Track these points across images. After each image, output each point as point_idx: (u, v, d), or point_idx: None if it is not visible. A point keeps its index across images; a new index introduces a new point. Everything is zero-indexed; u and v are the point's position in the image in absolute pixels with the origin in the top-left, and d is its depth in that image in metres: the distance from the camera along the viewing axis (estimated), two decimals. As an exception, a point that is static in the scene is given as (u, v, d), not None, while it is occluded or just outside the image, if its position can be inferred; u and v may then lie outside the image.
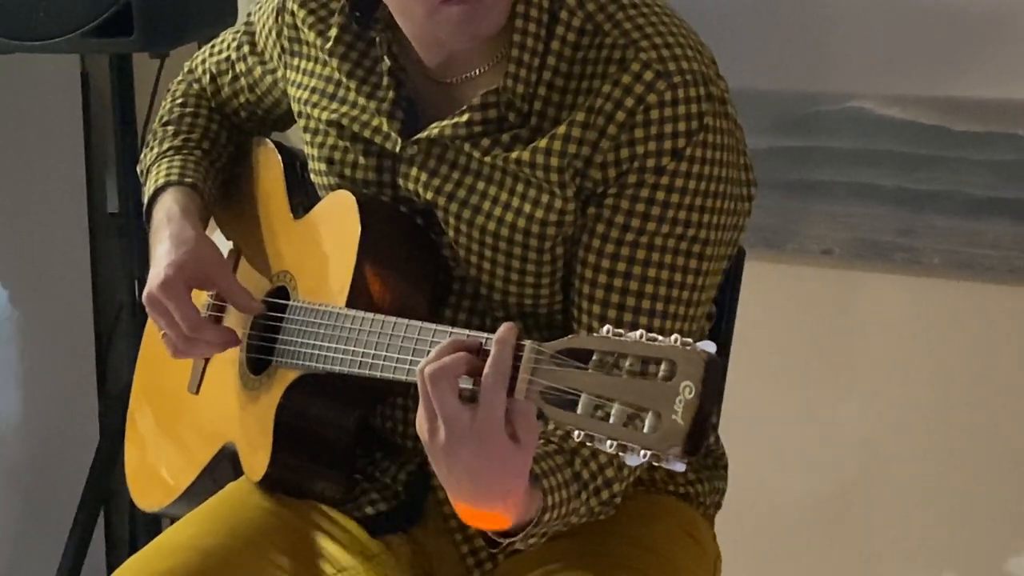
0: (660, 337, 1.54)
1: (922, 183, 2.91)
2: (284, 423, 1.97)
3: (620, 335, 1.56)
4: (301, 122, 2.07)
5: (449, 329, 1.75)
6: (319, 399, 1.98)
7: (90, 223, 3.49)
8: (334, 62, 2.02)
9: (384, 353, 1.82)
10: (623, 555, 1.94)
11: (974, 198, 2.87)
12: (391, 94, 1.98)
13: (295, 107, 2.08)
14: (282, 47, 2.09)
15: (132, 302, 2.97)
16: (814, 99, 2.97)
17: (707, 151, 1.87)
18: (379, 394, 2.01)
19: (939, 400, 2.97)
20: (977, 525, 2.95)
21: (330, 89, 2.03)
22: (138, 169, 2.24)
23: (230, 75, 2.21)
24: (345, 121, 2.01)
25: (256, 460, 2.00)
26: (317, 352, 1.91)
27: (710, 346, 1.52)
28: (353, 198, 1.97)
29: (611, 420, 1.54)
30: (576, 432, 1.56)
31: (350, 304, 1.90)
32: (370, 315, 1.85)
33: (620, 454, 1.54)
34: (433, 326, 1.77)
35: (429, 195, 1.96)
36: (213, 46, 2.25)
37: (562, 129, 1.88)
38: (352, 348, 1.86)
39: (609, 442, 1.54)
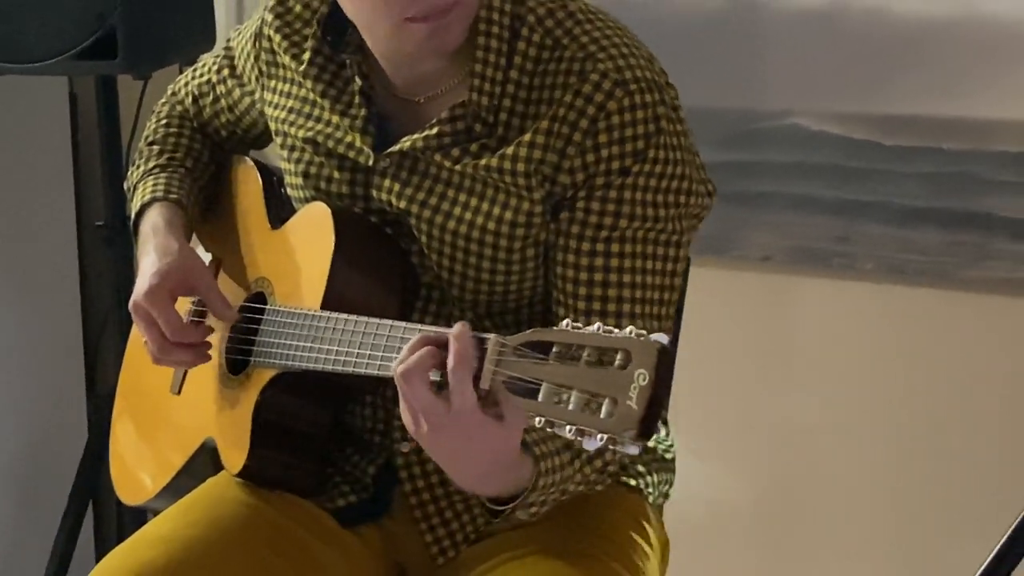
0: (616, 330, 1.57)
1: (856, 194, 2.95)
2: (261, 419, 1.99)
3: (579, 328, 1.59)
4: (279, 140, 2.09)
5: (417, 327, 1.77)
6: (295, 396, 2.00)
7: (79, 234, 3.51)
8: (308, 83, 2.04)
9: (356, 351, 1.84)
10: (580, 542, 1.96)
11: (905, 208, 2.91)
12: (363, 111, 2.00)
13: (273, 126, 2.10)
14: (260, 70, 2.11)
15: (118, 308, 2.89)
16: (756, 116, 3.01)
17: (666, 152, 1.91)
18: (351, 391, 2.03)
19: (874, 396, 2.99)
20: (913, 515, 2.99)
21: (306, 109, 2.05)
22: (125, 186, 2.27)
23: (211, 96, 2.23)
24: (320, 138, 2.03)
25: (234, 454, 2.02)
26: (293, 352, 1.94)
27: (663, 337, 1.55)
28: (328, 209, 1.99)
29: (570, 407, 1.56)
30: (537, 419, 1.59)
31: (324, 307, 1.92)
32: (343, 316, 1.87)
33: (579, 438, 1.56)
34: (403, 324, 1.79)
35: (402, 204, 1.98)
36: (195, 69, 2.27)
37: (528, 136, 1.91)
38: (326, 347, 1.88)
39: (568, 427, 1.56)
